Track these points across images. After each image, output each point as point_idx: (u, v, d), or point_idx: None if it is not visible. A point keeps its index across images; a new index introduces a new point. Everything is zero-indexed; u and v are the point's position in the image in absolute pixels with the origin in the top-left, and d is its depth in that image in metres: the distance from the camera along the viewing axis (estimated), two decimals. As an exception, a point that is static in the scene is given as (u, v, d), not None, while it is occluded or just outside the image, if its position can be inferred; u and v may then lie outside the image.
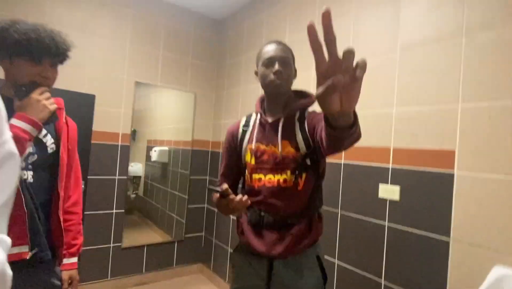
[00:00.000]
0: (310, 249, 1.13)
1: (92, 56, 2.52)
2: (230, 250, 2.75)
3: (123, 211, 2.70)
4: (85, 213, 2.47)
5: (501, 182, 1.18)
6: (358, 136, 0.77)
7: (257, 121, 1.21)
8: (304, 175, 1.11)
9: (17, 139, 0.81)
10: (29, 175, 1.00)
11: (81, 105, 2.46)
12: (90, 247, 2.52)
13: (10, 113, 0.84)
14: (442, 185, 1.35)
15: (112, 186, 2.64)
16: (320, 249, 1.18)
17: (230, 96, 2.98)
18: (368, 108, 1.67)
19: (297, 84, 1.23)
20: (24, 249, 0.96)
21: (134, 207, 4.16)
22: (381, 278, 1.54)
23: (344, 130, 0.66)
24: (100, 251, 2.58)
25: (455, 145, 1.32)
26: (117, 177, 2.66)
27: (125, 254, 2.71)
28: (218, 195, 1.00)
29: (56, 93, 2.55)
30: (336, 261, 1.77)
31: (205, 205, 3.22)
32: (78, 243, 1.19)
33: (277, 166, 1.12)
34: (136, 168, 4.32)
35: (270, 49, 1.14)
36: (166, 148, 3.82)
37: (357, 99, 0.56)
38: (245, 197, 1.01)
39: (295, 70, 1.22)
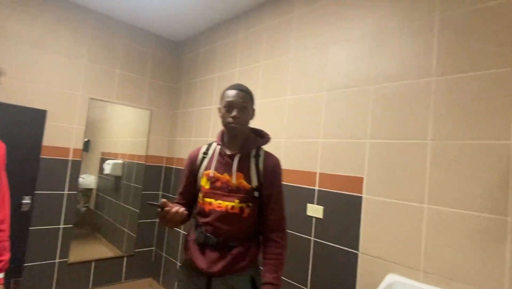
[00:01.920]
0: (246, 270, 1.28)
1: (46, 72, 2.55)
2: (179, 264, 2.85)
3: (71, 225, 2.70)
4: (30, 228, 2.45)
5: (394, 204, 1.47)
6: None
7: (217, 151, 1.37)
8: (250, 205, 1.28)
9: None
10: None
11: (31, 120, 2.47)
12: (35, 263, 2.49)
13: None
14: (354, 206, 1.62)
15: (61, 201, 2.64)
16: (256, 271, 1.33)
17: (185, 115, 3.14)
18: (301, 137, 1.93)
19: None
20: None
21: (84, 221, 4.08)
22: (306, 287, 1.77)
23: None
24: (45, 267, 2.55)
25: (364, 172, 1.61)
26: (66, 192, 2.67)
27: (71, 270, 2.69)
28: (158, 209, 1.16)
29: (4, 108, 2.54)
30: (272, 272, 1.97)
31: (157, 220, 3.29)
32: (4, 259, 1.27)
33: (229, 194, 1.27)
34: (88, 180, 4.23)
35: (231, 94, 1.28)
36: (120, 161, 3.83)
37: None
38: (182, 209, 1.18)
39: (253, 111, 1.38)
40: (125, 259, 3.06)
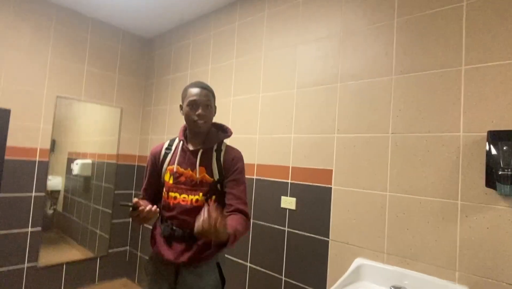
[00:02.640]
0: (212, 257, 1.34)
1: (8, 70, 2.43)
2: (147, 258, 2.85)
3: (39, 228, 2.62)
4: (-5, 233, 2.35)
5: (360, 193, 1.59)
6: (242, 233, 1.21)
7: (179, 147, 1.41)
8: (213, 197, 1.34)
9: None
10: None
11: (-7, 120, 2.35)
12: (2, 269, 2.38)
13: None
14: (324, 197, 1.73)
15: (28, 203, 2.55)
16: (221, 258, 1.40)
17: (157, 112, 3.12)
18: (274, 133, 2.01)
19: (218, 107, 1.49)
20: None
21: (53, 224, 3.92)
22: (282, 275, 1.86)
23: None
24: (13, 272, 2.45)
25: (333, 165, 1.72)
26: (33, 194, 2.57)
27: (41, 274, 2.61)
28: (130, 208, 1.19)
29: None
30: (248, 264, 2.05)
31: (130, 219, 3.25)
32: None
33: (193, 188, 1.33)
34: (55, 181, 4.07)
35: (194, 93, 1.33)
36: (89, 161, 3.72)
37: (218, 237, 1.03)
38: (154, 207, 1.22)
39: (215, 108, 1.44)
40: (98, 260, 3.01)
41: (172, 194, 1.36)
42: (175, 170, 1.37)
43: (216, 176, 1.35)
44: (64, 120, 3.60)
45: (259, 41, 2.20)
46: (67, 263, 2.81)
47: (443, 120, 1.37)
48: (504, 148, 1.15)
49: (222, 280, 1.36)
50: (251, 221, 2.06)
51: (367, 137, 1.60)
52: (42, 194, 2.64)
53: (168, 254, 1.32)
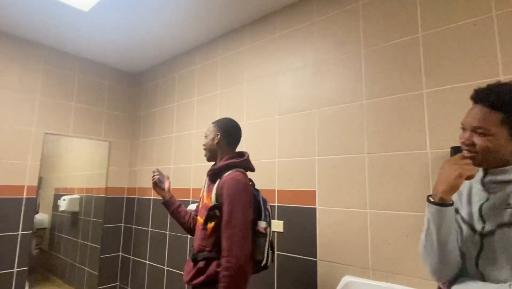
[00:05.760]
0: (204, 286, 1.33)
1: (-4, 109, 2.49)
2: None
3: (26, 268, 2.56)
4: (-21, 275, 2.29)
5: (342, 212, 1.67)
6: None
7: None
8: (212, 223, 1.36)
9: None
10: None
11: (-19, 160, 2.37)
12: (-16, 314, 2.30)
13: None
14: (310, 217, 1.80)
15: (14, 242, 2.50)
16: None
17: (145, 144, 3.18)
18: (259, 159, 2.10)
19: (203, 138, 1.57)
20: None
21: (38, 264, 3.80)
22: (273, 298, 1.88)
23: None
24: (-4, 316, 2.37)
25: (315, 186, 1.80)
26: (20, 232, 2.54)
27: (27, 316, 2.52)
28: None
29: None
30: None
31: (120, 253, 3.21)
32: None
33: (201, 211, 1.47)
34: (41, 219, 3.99)
35: None
36: (77, 196, 3.69)
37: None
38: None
39: (217, 136, 1.50)
40: (87, 298, 2.92)
41: (197, 216, 1.55)
42: (201, 194, 1.56)
43: (213, 201, 1.40)
44: (52, 156, 3.60)
45: (240, 73, 2.34)
46: (54, 303, 2.72)
47: (412, 139, 1.49)
48: (466, 162, 1.26)
49: None
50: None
51: (345, 158, 1.70)
52: (29, 231, 2.61)
53: (184, 270, 1.47)
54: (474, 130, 0.83)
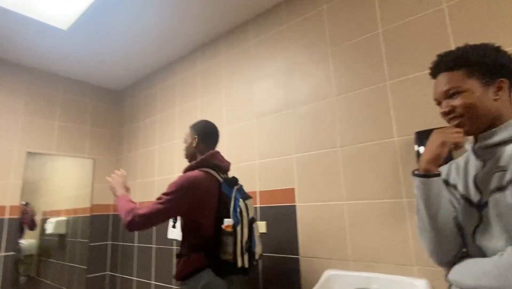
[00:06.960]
0: (184, 281, 1.36)
1: (-23, 130, 2.49)
2: None
3: (9, 291, 2.48)
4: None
5: (320, 206, 1.69)
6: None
7: None
8: (182, 221, 1.47)
9: None
10: None
11: (-40, 181, 2.34)
12: None
13: None
14: (290, 215, 1.81)
15: (-4, 265, 2.44)
16: (207, 285, 1.30)
17: (130, 159, 3.18)
18: (240, 162, 2.13)
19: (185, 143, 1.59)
20: None
21: (25, 292, 3.67)
22: (260, 300, 1.86)
23: None
24: None
25: (294, 183, 1.83)
26: (3, 254, 2.49)
27: None
28: None
29: None
30: (227, 296, 2.02)
31: (107, 272, 3.14)
32: None
33: None
34: (28, 244, 3.88)
35: None
36: (63, 218, 3.63)
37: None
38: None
39: (193, 139, 1.59)
40: (74, 321, 2.83)
41: None
42: None
43: None
44: (37, 181, 3.56)
45: (219, 81, 2.40)
46: (39, 327, 2.62)
47: (380, 129, 1.54)
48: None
49: None
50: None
51: (320, 154, 1.74)
52: (13, 253, 2.55)
53: None
54: (447, 95, 0.80)
